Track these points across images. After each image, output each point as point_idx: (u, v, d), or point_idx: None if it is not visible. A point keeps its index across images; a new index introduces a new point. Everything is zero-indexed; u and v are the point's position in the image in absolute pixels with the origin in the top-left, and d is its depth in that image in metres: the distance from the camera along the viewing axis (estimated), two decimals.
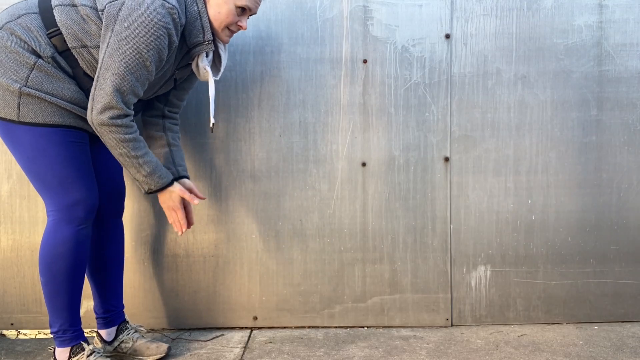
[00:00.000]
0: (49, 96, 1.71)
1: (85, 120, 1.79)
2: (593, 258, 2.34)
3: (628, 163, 2.33)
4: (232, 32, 1.91)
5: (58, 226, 1.76)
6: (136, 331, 2.04)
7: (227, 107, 2.28)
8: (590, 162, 2.32)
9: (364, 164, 2.30)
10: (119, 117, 1.70)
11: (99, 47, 1.73)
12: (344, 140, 2.30)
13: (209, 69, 1.88)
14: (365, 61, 2.28)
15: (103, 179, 1.97)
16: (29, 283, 2.28)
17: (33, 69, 1.70)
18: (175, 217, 1.91)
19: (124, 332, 2.02)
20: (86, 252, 1.82)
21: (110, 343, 2.01)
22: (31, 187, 2.25)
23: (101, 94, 1.68)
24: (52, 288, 1.78)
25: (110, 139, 1.72)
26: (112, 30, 1.67)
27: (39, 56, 1.71)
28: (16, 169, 2.26)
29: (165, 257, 2.30)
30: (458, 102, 2.29)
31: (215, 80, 2.01)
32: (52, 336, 1.93)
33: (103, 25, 1.70)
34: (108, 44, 1.67)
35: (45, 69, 1.71)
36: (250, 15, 1.93)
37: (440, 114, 2.30)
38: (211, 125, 1.97)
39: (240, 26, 1.89)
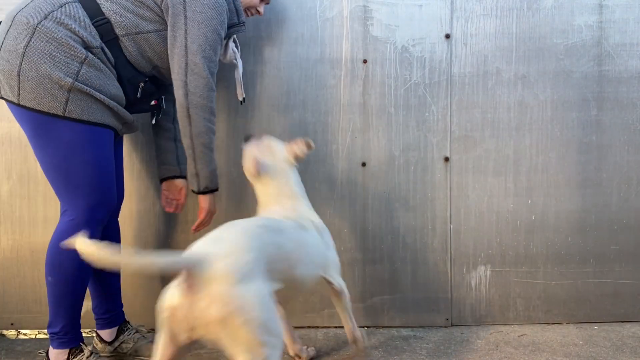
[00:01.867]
0: (97, 92, 1.69)
1: (118, 118, 1.79)
2: (593, 258, 2.34)
3: (628, 163, 2.33)
4: (248, 16, 2.01)
5: (76, 227, 1.70)
6: (137, 331, 2.04)
7: (227, 107, 2.28)
8: (590, 162, 2.32)
9: (364, 164, 2.30)
10: (214, 100, 1.79)
11: (156, 32, 1.75)
12: (344, 141, 2.29)
13: (236, 50, 1.99)
14: (365, 61, 2.28)
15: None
16: (29, 283, 2.28)
17: (83, 64, 1.67)
18: (207, 221, 1.94)
19: (124, 332, 2.01)
20: None
21: (110, 343, 2.01)
22: (31, 187, 2.25)
23: (197, 78, 1.74)
24: (61, 289, 1.75)
25: (203, 125, 1.76)
26: (185, 16, 1.71)
27: (88, 48, 1.69)
28: (16, 169, 2.25)
29: None
30: (458, 102, 2.29)
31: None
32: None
33: (170, 12, 1.73)
34: (186, 30, 1.71)
35: (95, 63, 1.69)
36: (266, 4, 2.06)
37: (440, 114, 2.29)
38: (241, 99, 2.09)
39: (259, 11, 2.02)
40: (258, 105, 2.28)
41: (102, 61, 1.73)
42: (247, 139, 1.89)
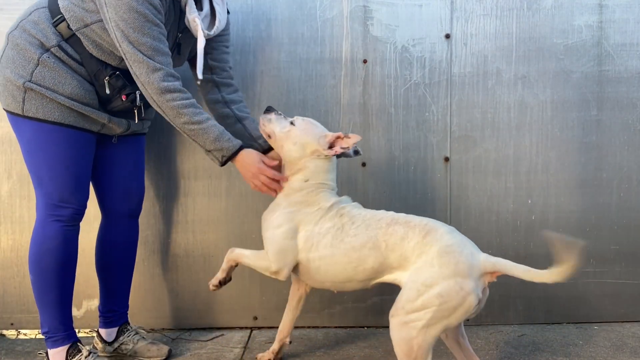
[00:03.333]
0: (49, 92, 1.71)
1: (89, 119, 1.79)
2: (593, 258, 2.34)
3: (628, 163, 2.33)
4: None
5: (45, 223, 1.77)
6: (137, 333, 2.04)
7: None
8: (590, 162, 2.32)
9: (364, 164, 2.30)
10: (166, 78, 1.69)
11: (99, 22, 1.72)
12: None
13: (198, 21, 1.79)
14: (365, 61, 2.28)
15: (116, 177, 1.97)
16: (29, 283, 2.25)
17: (38, 65, 1.71)
18: (264, 181, 1.79)
19: (124, 333, 2.01)
20: (75, 251, 1.82)
21: (110, 344, 2.01)
22: (31, 187, 2.24)
23: (138, 66, 1.68)
24: (41, 285, 1.78)
25: (171, 109, 1.71)
26: (105, 3, 1.66)
27: (45, 49, 1.72)
28: (16, 168, 2.25)
29: (165, 257, 2.30)
30: (458, 102, 2.29)
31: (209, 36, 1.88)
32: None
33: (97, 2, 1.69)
34: (108, 18, 1.67)
35: (49, 63, 1.71)
36: None
37: (440, 114, 2.29)
38: (198, 82, 1.92)
39: None
40: (258, 105, 2.28)
41: (61, 60, 1.73)
42: (268, 110, 1.84)
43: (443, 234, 1.57)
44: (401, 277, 1.60)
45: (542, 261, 2.32)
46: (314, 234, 1.68)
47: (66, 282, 1.81)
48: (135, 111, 1.85)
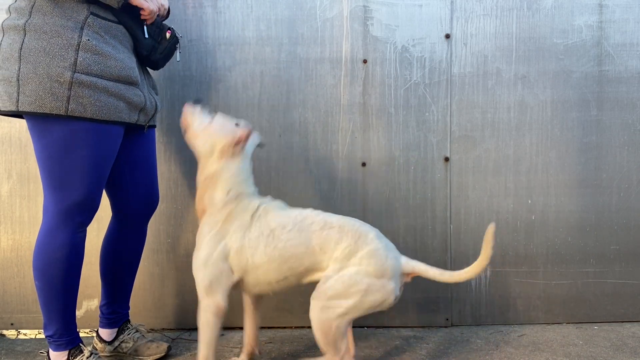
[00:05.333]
0: (100, 80, 1.59)
1: (131, 106, 1.71)
2: (593, 258, 2.34)
3: (628, 163, 2.33)
4: None
5: (55, 231, 1.67)
6: (137, 331, 2.04)
7: (227, 107, 2.28)
8: (590, 162, 2.32)
9: (364, 164, 2.30)
10: None
11: None
12: (344, 140, 2.30)
13: None
14: (365, 61, 2.28)
15: (137, 178, 1.90)
16: (29, 283, 2.28)
17: (79, 49, 1.58)
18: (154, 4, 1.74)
19: (124, 332, 2.01)
20: (82, 256, 1.75)
21: (110, 343, 2.00)
22: (31, 187, 2.25)
23: None
24: (48, 293, 1.72)
25: None
26: None
27: (80, 26, 1.58)
28: (16, 168, 2.26)
29: (166, 257, 2.30)
30: (458, 102, 2.29)
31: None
32: None
33: None
34: None
35: (91, 44, 1.59)
36: None
37: (440, 114, 2.30)
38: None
39: None
40: (258, 106, 2.28)
41: (98, 33, 1.61)
42: (197, 101, 1.80)
43: (373, 238, 1.66)
44: (328, 273, 1.67)
45: (542, 261, 2.34)
46: (245, 246, 1.67)
47: (73, 288, 1.76)
48: (178, 46, 1.85)
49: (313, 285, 1.69)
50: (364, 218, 2.30)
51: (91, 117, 1.61)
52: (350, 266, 1.62)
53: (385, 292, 1.62)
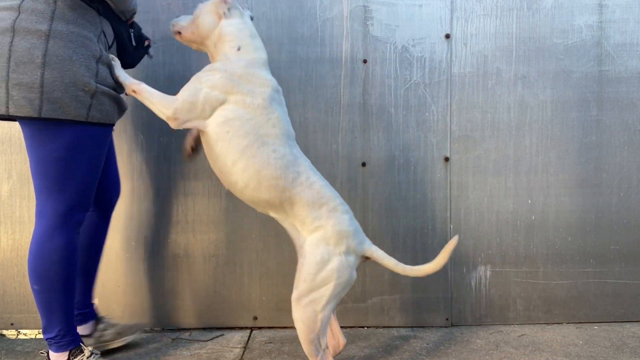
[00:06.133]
0: (112, 90, 1.70)
1: (120, 109, 1.79)
2: (593, 258, 2.34)
3: (628, 163, 2.33)
4: None
5: (55, 233, 1.67)
6: (108, 318, 2.06)
7: None
8: (590, 162, 2.32)
9: (364, 164, 2.30)
10: None
11: None
12: (344, 140, 2.30)
13: None
14: (365, 61, 2.28)
15: (111, 172, 1.97)
16: (29, 283, 2.28)
17: (99, 61, 1.66)
18: None
19: (100, 321, 2.02)
20: (78, 254, 1.76)
21: (90, 336, 1.98)
22: (31, 187, 2.25)
23: None
24: (49, 295, 1.71)
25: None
26: None
27: (97, 38, 1.66)
28: (16, 168, 2.26)
29: (165, 257, 2.30)
30: (458, 102, 2.30)
31: None
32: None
33: None
34: None
35: (104, 56, 1.68)
36: None
37: (440, 114, 2.30)
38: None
39: None
40: None
41: (106, 47, 1.73)
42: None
43: (346, 219, 1.70)
44: (295, 234, 1.71)
45: (542, 261, 2.34)
46: (235, 121, 1.63)
47: (73, 287, 1.76)
48: (150, 52, 1.96)
49: None
50: (364, 218, 2.30)
51: (104, 122, 1.69)
52: (320, 245, 1.66)
53: (350, 268, 1.68)
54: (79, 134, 1.65)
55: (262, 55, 1.74)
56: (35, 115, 1.57)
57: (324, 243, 1.67)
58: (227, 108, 1.65)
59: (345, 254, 1.68)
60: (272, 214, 1.74)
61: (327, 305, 1.66)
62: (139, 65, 2.23)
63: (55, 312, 1.73)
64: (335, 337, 1.86)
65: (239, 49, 1.70)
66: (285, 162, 1.66)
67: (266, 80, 1.70)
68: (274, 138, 1.67)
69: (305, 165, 1.72)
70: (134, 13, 1.88)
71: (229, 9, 1.74)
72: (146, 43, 1.95)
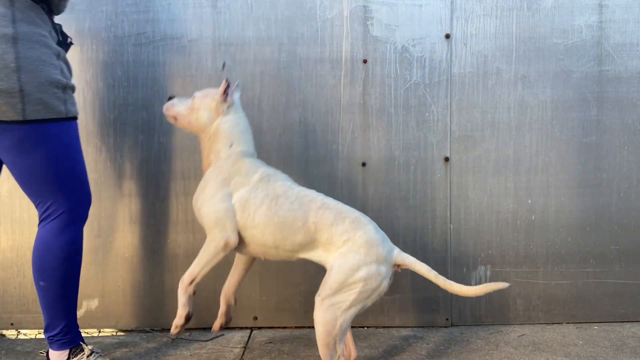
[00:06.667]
0: (73, 83, 1.72)
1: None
2: (593, 258, 2.34)
3: (628, 163, 2.33)
4: None
5: (67, 228, 1.70)
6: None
7: None
8: (590, 162, 2.32)
9: (364, 164, 2.30)
10: None
11: None
12: (344, 141, 2.30)
13: None
14: (365, 61, 2.28)
15: None
16: (29, 283, 2.28)
17: (59, 56, 1.68)
18: None
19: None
20: (82, 251, 1.79)
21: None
22: None
23: None
24: (55, 292, 1.72)
25: None
26: None
27: (51, 35, 1.68)
28: None
29: (166, 257, 2.30)
30: (458, 102, 2.29)
31: None
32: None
33: None
34: None
35: (62, 52, 1.70)
36: None
37: (440, 114, 2.29)
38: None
39: None
40: (258, 106, 2.28)
41: (58, 41, 1.72)
42: (170, 97, 1.94)
43: (370, 228, 1.74)
44: (326, 258, 1.73)
45: (542, 261, 2.34)
46: (250, 201, 1.75)
47: (76, 283, 1.78)
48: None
49: (312, 285, 1.69)
50: None
51: (76, 115, 1.74)
52: (349, 254, 1.67)
53: (381, 278, 1.68)
54: (64, 130, 1.68)
55: (250, 148, 1.86)
56: (20, 118, 1.58)
57: (353, 252, 1.68)
58: (237, 200, 1.76)
59: (375, 263, 1.68)
60: (304, 255, 1.77)
61: (348, 310, 1.66)
62: (139, 66, 2.24)
63: (60, 308, 1.75)
64: (348, 348, 1.85)
65: (231, 146, 1.82)
66: (298, 212, 1.74)
67: (252, 167, 1.81)
68: (282, 198, 1.76)
69: (313, 193, 1.80)
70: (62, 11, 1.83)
71: (228, 107, 1.83)
72: (68, 40, 1.88)
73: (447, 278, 2.34)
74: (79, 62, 2.23)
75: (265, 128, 2.28)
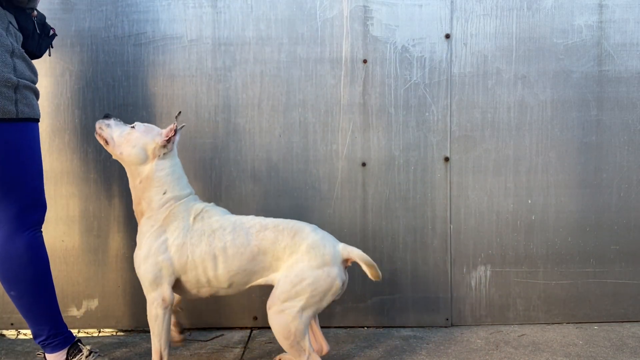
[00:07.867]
0: (31, 82, 1.68)
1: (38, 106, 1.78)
2: (593, 258, 2.34)
3: (628, 163, 2.33)
4: None
5: (16, 234, 1.66)
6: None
7: (227, 107, 2.28)
8: (590, 162, 2.32)
9: (364, 164, 2.30)
10: None
11: None
12: (344, 140, 2.30)
13: None
14: (365, 61, 2.28)
15: None
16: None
17: (13, 54, 1.63)
18: None
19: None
20: (46, 253, 1.75)
21: None
22: None
23: None
24: (27, 299, 1.70)
25: None
26: None
27: (7, 30, 1.64)
28: None
29: None
30: (458, 102, 2.29)
31: None
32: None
33: None
34: None
35: (17, 48, 1.65)
36: None
37: (440, 114, 2.30)
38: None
39: None
40: (258, 105, 2.28)
41: (16, 37, 1.68)
42: (107, 116, 1.81)
43: (309, 232, 1.72)
44: (275, 277, 1.72)
45: (542, 261, 2.34)
46: (186, 243, 1.70)
47: (50, 286, 1.74)
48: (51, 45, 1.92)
49: None
50: (364, 218, 2.30)
51: (33, 117, 1.68)
52: (294, 264, 1.68)
53: (331, 279, 1.68)
54: (13, 133, 1.62)
55: (184, 192, 1.79)
56: None
57: (299, 262, 1.68)
58: (173, 246, 1.70)
59: (322, 267, 1.68)
60: (262, 281, 1.75)
61: (301, 313, 1.66)
62: (139, 66, 2.24)
63: (39, 313, 1.72)
64: (318, 343, 1.88)
65: (164, 193, 1.75)
66: (239, 239, 1.71)
67: (186, 209, 1.75)
68: (219, 231, 1.72)
69: (250, 218, 1.78)
70: (35, 4, 1.80)
71: (165, 152, 1.75)
72: (51, 32, 1.88)
73: (447, 278, 2.36)
74: (79, 62, 2.24)
75: (265, 128, 2.28)
